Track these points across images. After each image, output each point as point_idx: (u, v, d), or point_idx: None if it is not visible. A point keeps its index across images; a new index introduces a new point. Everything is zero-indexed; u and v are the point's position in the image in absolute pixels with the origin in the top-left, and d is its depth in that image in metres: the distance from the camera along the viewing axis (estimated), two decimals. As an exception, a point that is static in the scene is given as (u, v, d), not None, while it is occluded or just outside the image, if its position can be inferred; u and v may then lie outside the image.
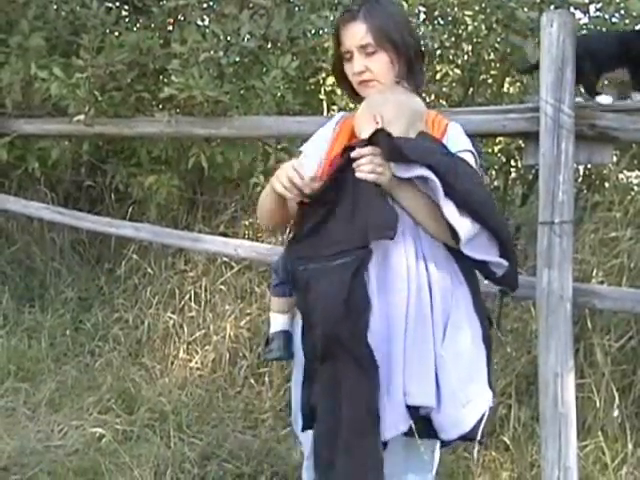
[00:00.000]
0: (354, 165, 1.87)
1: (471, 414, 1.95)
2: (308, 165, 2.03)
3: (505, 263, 1.94)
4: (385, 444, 1.91)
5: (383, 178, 1.87)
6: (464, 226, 1.86)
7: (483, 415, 1.97)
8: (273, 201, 2.07)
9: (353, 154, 1.87)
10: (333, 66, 2.27)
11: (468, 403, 1.94)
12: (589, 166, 4.27)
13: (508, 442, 3.16)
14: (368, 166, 1.85)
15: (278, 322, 2.28)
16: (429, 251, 1.94)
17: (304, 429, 2.05)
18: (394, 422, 1.88)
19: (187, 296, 4.41)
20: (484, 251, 1.91)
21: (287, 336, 2.25)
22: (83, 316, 4.80)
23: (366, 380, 1.84)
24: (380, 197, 1.88)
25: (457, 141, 2.07)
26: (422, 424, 1.90)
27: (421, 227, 1.94)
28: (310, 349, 1.96)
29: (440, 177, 1.84)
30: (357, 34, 2.08)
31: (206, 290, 4.39)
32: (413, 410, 1.88)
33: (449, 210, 1.85)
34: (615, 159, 3.88)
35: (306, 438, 2.21)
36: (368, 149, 1.87)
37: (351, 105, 4.90)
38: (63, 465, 3.33)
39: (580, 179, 4.36)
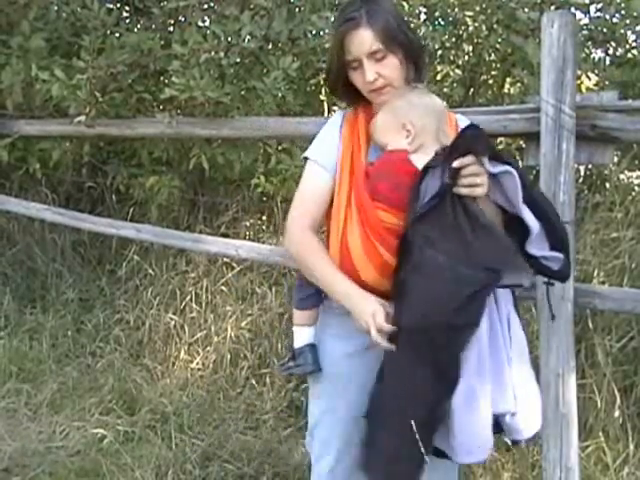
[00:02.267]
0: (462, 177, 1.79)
1: (539, 410, 1.96)
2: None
3: (561, 256, 1.91)
4: None
5: (484, 189, 1.81)
6: (535, 225, 1.84)
7: None
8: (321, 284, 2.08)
9: (455, 164, 1.78)
10: (332, 76, 2.15)
11: (536, 401, 1.95)
12: (590, 166, 4.27)
13: (509, 442, 3.16)
14: (477, 179, 1.79)
15: (304, 336, 2.25)
16: None
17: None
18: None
19: (188, 297, 4.41)
20: (541, 247, 1.89)
21: (314, 349, 2.23)
22: (84, 317, 4.81)
23: (440, 386, 1.81)
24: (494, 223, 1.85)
25: None
26: None
27: None
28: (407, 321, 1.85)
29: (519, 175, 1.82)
30: (365, 41, 1.99)
31: (207, 291, 4.39)
32: None
33: (525, 209, 1.82)
34: (616, 159, 3.89)
35: (324, 449, 2.21)
36: (470, 158, 1.79)
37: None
38: (64, 466, 3.34)
39: (581, 179, 4.36)
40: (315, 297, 2.20)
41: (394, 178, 1.95)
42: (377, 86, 2.03)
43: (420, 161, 1.93)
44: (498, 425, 1.92)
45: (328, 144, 2.16)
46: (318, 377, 2.23)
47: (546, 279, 2.08)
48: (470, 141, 1.82)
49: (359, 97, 2.14)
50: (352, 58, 2.03)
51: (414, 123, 1.97)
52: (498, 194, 1.86)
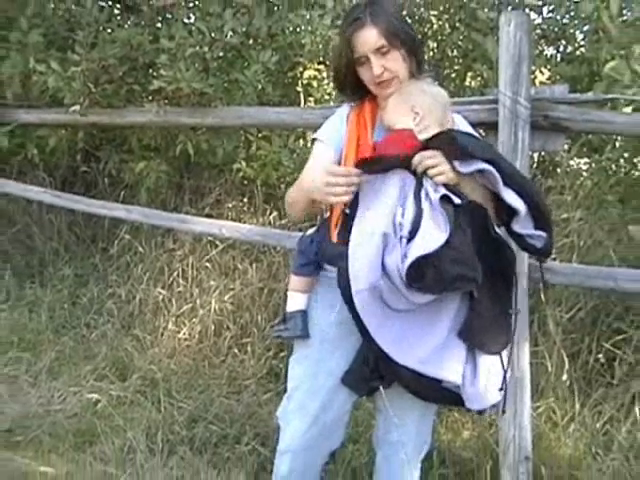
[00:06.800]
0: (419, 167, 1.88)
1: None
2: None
3: (544, 234, 1.93)
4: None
5: (449, 176, 1.86)
6: (520, 206, 1.86)
7: None
8: (306, 203, 2.11)
9: (415, 159, 1.87)
10: (340, 73, 2.16)
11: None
12: (543, 153, 4.30)
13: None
14: (434, 169, 1.86)
15: (297, 301, 2.19)
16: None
17: None
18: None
19: (175, 273, 4.39)
20: (526, 226, 1.92)
21: (305, 316, 2.17)
22: (79, 291, 4.78)
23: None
24: None
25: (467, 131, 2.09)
26: None
27: None
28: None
29: (499, 167, 1.84)
30: (370, 39, 2.02)
31: (193, 267, 4.38)
32: None
33: (509, 195, 1.85)
34: (566, 147, 3.91)
35: (300, 413, 2.17)
36: (431, 153, 1.87)
37: (327, 96, 4.91)
38: (62, 427, 3.34)
39: (535, 165, 4.39)
40: (313, 265, 2.15)
41: (399, 150, 1.94)
42: (384, 78, 2.05)
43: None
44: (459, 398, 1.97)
45: (335, 126, 2.18)
46: (305, 342, 2.18)
47: (537, 258, 2.13)
48: (439, 143, 1.88)
49: (365, 94, 2.15)
50: (359, 55, 2.05)
51: (422, 106, 1.99)
52: (487, 181, 1.88)
